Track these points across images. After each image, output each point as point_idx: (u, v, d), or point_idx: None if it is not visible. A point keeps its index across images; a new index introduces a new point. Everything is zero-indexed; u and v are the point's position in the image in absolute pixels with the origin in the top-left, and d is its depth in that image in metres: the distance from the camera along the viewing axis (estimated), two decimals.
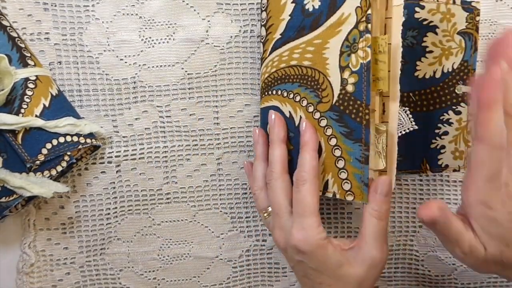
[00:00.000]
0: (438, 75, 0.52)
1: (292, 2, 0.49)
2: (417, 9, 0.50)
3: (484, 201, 0.40)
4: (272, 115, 0.49)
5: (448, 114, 0.53)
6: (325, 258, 0.44)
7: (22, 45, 0.49)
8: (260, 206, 0.51)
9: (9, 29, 0.49)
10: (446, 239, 0.43)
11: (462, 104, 0.53)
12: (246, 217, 0.58)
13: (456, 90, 0.53)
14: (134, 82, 0.53)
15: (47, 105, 0.48)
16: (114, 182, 0.55)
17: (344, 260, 0.45)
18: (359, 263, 0.44)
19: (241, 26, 0.54)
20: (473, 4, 0.51)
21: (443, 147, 0.53)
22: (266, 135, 0.51)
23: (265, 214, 0.50)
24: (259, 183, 0.50)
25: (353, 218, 0.59)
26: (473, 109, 0.40)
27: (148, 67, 0.53)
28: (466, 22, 0.51)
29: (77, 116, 0.51)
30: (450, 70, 0.52)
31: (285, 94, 0.50)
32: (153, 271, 0.58)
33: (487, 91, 0.38)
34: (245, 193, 0.58)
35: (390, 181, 0.44)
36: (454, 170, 0.54)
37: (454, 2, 0.51)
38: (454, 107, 0.53)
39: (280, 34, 0.50)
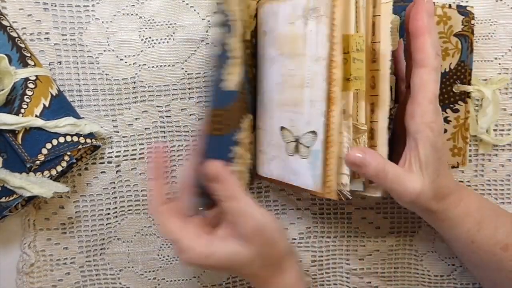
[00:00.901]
0: None
1: None
2: None
3: (429, 123, 0.43)
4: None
5: (446, 112, 0.53)
6: (221, 259, 0.44)
7: (22, 45, 0.49)
8: None
9: (9, 29, 0.49)
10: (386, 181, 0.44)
11: (459, 102, 0.53)
12: None
13: (453, 89, 0.53)
14: (134, 82, 0.53)
15: (47, 105, 0.48)
16: (114, 182, 0.55)
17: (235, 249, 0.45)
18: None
19: None
20: (468, 8, 0.52)
21: None
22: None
23: None
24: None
25: (353, 218, 0.59)
26: (409, 40, 0.44)
27: (148, 67, 0.53)
28: (462, 25, 0.52)
29: (77, 116, 0.51)
30: (447, 70, 0.53)
31: None
32: (153, 271, 0.58)
33: (420, 19, 0.43)
34: None
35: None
36: (453, 167, 0.54)
37: (450, 6, 0.52)
38: (451, 106, 0.53)
39: None
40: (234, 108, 0.46)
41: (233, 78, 0.45)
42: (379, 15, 0.43)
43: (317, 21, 0.43)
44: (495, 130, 0.57)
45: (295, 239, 0.59)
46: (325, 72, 0.43)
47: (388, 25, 0.43)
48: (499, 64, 0.57)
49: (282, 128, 0.48)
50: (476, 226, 0.47)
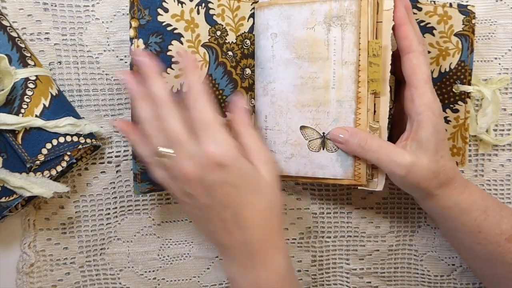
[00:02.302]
0: (435, 74, 0.53)
1: None
2: (414, 10, 0.51)
3: (428, 104, 0.45)
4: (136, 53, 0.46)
5: (446, 112, 0.54)
6: (246, 170, 0.43)
7: (22, 45, 0.49)
8: (152, 148, 0.44)
9: (9, 29, 0.48)
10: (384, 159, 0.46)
11: (459, 102, 0.53)
12: None
13: (453, 89, 0.53)
14: None
15: (47, 105, 0.48)
16: (114, 182, 0.55)
17: (256, 173, 0.45)
18: (264, 173, 0.45)
19: None
20: (469, 7, 0.52)
21: None
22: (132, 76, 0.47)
23: (157, 157, 0.44)
24: (152, 123, 0.44)
25: (353, 218, 0.59)
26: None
27: None
28: (463, 24, 0.52)
29: (77, 116, 0.51)
30: (447, 70, 0.53)
31: None
32: (153, 271, 0.58)
33: (398, 11, 0.46)
34: None
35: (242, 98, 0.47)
36: None
37: (450, 5, 0.52)
38: (451, 106, 0.53)
39: None
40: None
41: (177, 81, 0.49)
42: (381, 22, 0.46)
43: (341, 28, 0.47)
44: (495, 130, 0.57)
45: (295, 239, 0.59)
46: (354, 75, 0.47)
47: (389, 30, 0.46)
48: (499, 64, 0.57)
49: (303, 127, 0.50)
50: (482, 215, 0.48)
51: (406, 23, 0.46)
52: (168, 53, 0.48)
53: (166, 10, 0.48)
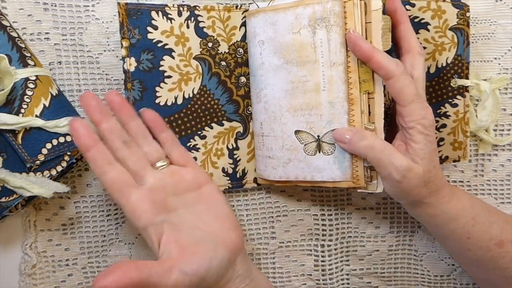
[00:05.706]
0: (432, 70, 0.53)
1: None
2: (407, 7, 0.51)
3: (418, 120, 0.45)
4: None
5: (445, 107, 0.54)
6: None
7: (22, 45, 0.49)
8: None
9: (9, 29, 0.48)
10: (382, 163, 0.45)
11: (458, 96, 0.54)
12: (248, 220, 0.58)
13: (451, 84, 0.53)
14: None
15: (47, 105, 0.48)
16: None
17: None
18: None
19: None
20: (462, 1, 0.52)
21: (441, 139, 0.54)
22: None
23: None
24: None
25: (353, 218, 0.59)
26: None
27: None
28: (457, 18, 0.52)
29: (77, 116, 0.50)
30: (444, 64, 0.53)
31: None
32: None
33: (362, 46, 0.45)
34: None
35: None
36: (455, 161, 0.55)
37: (444, 0, 0.52)
38: (450, 100, 0.54)
39: None
40: (176, 119, 0.51)
41: (171, 94, 0.50)
42: (370, 22, 0.46)
43: (327, 30, 0.47)
44: (495, 130, 0.58)
45: (296, 241, 0.59)
46: (343, 76, 0.47)
47: (379, 30, 0.46)
48: (499, 64, 0.57)
49: (298, 131, 0.50)
50: (471, 221, 0.48)
51: (374, 53, 0.45)
52: (160, 68, 0.49)
53: (155, 28, 0.49)
